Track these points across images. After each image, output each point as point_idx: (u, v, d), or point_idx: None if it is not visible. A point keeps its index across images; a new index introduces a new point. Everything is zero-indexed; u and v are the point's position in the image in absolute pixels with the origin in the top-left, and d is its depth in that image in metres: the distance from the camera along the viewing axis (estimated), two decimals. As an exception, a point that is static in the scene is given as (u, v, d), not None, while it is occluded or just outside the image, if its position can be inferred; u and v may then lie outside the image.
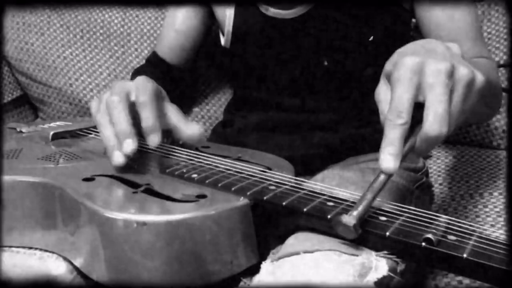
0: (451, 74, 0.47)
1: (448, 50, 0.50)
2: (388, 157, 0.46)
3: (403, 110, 0.46)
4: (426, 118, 0.46)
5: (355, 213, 0.47)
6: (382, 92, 0.51)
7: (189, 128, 0.65)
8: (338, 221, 0.47)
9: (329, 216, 0.50)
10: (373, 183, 0.48)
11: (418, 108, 0.48)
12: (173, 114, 0.66)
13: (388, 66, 0.51)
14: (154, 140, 0.61)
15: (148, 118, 0.61)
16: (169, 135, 0.69)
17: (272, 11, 0.79)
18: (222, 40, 0.86)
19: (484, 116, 0.79)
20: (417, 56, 0.48)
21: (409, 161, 0.80)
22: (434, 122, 0.46)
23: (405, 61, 0.48)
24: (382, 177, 0.48)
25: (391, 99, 0.47)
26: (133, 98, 0.62)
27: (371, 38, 0.76)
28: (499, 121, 0.99)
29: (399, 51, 0.52)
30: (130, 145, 0.59)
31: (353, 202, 0.53)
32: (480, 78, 0.49)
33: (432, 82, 0.46)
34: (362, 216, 0.47)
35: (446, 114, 0.46)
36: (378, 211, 0.51)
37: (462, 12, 0.75)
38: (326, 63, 0.78)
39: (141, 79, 0.65)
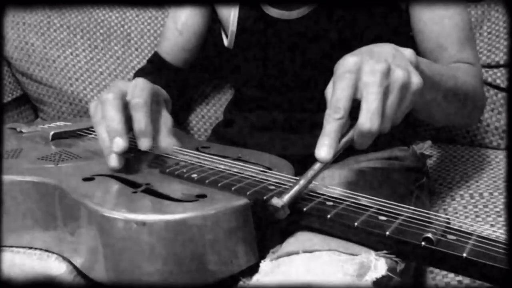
0: (386, 75, 0.50)
1: (396, 52, 0.53)
2: (324, 147, 0.50)
3: (340, 106, 0.49)
4: (360, 114, 0.50)
5: (285, 196, 0.50)
6: (330, 89, 0.53)
7: (164, 140, 0.65)
8: (269, 203, 0.50)
9: (328, 216, 0.50)
10: (309, 170, 0.51)
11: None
12: (163, 121, 0.66)
13: (336, 64, 0.53)
14: (144, 144, 0.61)
15: (139, 121, 0.61)
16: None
17: (275, 12, 0.79)
18: (225, 41, 0.86)
19: (456, 121, 0.80)
20: (356, 56, 0.51)
21: (409, 161, 0.80)
22: (366, 118, 0.49)
23: (345, 61, 0.51)
24: (318, 165, 0.51)
25: (332, 96, 0.51)
26: (129, 98, 0.62)
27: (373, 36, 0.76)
28: (499, 121, 0.99)
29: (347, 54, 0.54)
30: (119, 143, 0.59)
31: (353, 202, 0.53)
32: (416, 81, 0.51)
33: (367, 81, 0.50)
34: (293, 199, 0.50)
35: (378, 111, 0.49)
36: (378, 211, 0.51)
37: (452, 16, 0.76)
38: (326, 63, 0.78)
39: (140, 81, 0.65)
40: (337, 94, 0.50)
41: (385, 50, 0.53)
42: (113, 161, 0.60)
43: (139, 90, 0.63)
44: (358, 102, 0.51)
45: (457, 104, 0.69)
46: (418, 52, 0.79)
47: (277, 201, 0.50)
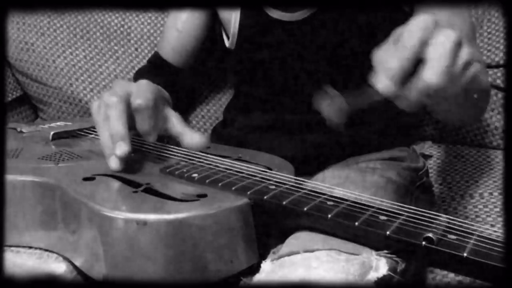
0: (459, 45, 0.48)
1: None
2: (385, 80, 0.47)
3: (408, 46, 0.47)
4: (426, 68, 0.47)
5: (350, 101, 0.48)
6: (383, 50, 0.51)
7: (194, 138, 0.65)
8: (331, 102, 0.48)
9: (329, 216, 0.50)
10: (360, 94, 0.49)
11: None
12: (177, 122, 0.67)
13: (398, 29, 0.51)
14: (149, 139, 0.64)
15: (143, 123, 0.63)
16: (169, 137, 0.69)
17: (277, 14, 0.79)
18: (226, 42, 0.86)
19: (471, 117, 0.80)
20: (432, 17, 0.49)
21: (409, 161, 0.80)
22: (434, 73, 0.46)
23: (421, 17, 0.49)
24: (376, 97, 0.49)
25: (399, 35, 0.48)
26: (132, 100, 0.62)
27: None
28: (499, 121, 0.99)
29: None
30: (122, 148, 0.59)
31: (353, 202, 0.53)
32: (477, 65, 0.50)
33: (442, 41, 0.47)
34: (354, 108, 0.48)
35: (447, 69, 0.46)
36: (378, 211, 0.51)
37: (461, 17, 0.76)
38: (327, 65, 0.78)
39: (144, 83, 0.65)
40: (405, 39, 0.47)
41: None
42: (114, 163, 0.60)
43: (143, 92, 0.63)
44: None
45: (478, 99, 0.70)
46: None
47: (342, 101, 0.47)
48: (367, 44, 0.77)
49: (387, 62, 0.48)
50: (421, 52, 0.47)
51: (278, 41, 0.80)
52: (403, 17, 0.77)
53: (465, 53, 0.49)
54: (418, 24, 0.48)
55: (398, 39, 0.49)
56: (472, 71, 0.50)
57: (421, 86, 0.47)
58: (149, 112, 0.62)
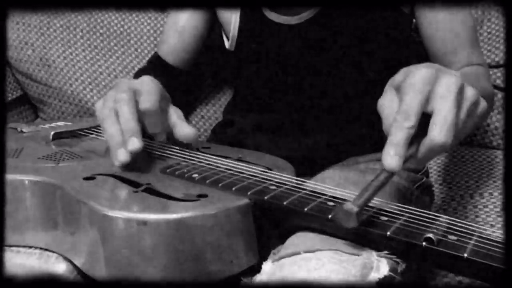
0: (461, 91, 0.48)
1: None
2: (392, 156, 0.47)
3: (412, 113, 0.47)
4: (432, 127, 0.47)
5: (358, 201, 0.47)
6: (387, 100, 0.51)
7: (185, 129, 0.67)
8: (340, 208, 0.47)
9: (329, 216, 0.50)
10: (374, 181, 0.49)
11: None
12: (174, 114, 0.68)
13: (398, 77, 0.51)
14: (159, 138, 0.67)
15: (152, 126, 0.65)
16: (170, 136, 0.69)
17: (276, 17, 0.79)
18: (226, 44, 0.86)
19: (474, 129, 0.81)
20: (431, 68, 0.49)
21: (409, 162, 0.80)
22: (442, 131, 0.47)
23: (420, 71, 0.49)
24: (383, 176, 0.48)
25: (401, 103, 0.48)
26: (138, 98, 0.63)
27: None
28: (499, 121, 0.99)
29: (409, 67, 0.52)
30: (135, 143, 0.59)
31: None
32: (483, 104, 0.51)
33: (444, 93, 0.48)
34: (363, 206, 0.47)
35: (453, 125, 0.47)
36: (379, 211, 0.51)
37: (461, 19, 0.76)
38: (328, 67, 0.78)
39: (147, 81, 0.66)
40: (408, 101, 0.48)
41: (446, 69, 0.52)
42: (123, 156, 0.60)
43: (149, 95, 0.64)
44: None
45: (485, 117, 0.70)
46: (428, 56, 0.79)
47: (350, 207, 0.46)
48: (365, 46, 0.77)
49: (394, 136, 0.47)
50: (426, 107, 0.48)
51: (277, 44, 0.80)
52: (403, 19, 0.78)
53: (469, 95, 0.49)
54: (419, 78, 0.48)
55: (400, 89, 0.49)
56: (479, 111, 0.50)
57: (430, 145, 0.48)
58: (157, 115, 0.64)
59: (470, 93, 0.49)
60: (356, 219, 0.46)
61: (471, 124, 0.51)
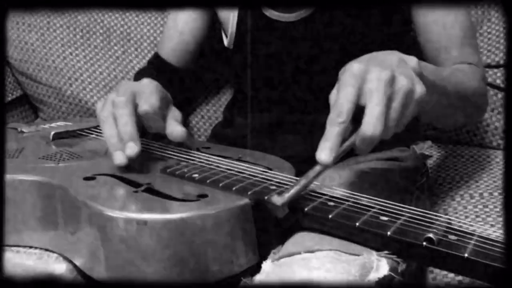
0: (391, 83, 0.50)
1: (400, 61, 0.53)
2: (325, 150, 0.50)
3: (343, 110, 0.50)
4: (363, 120, 0.50)
5: (285, 195, 0.51)
6: (334, 95, 0.53)
7: (174, 128, 0.67)
8: (269, 199, 0.51)
9: (330, 216, 0.50)
10: (310, 172, 0.52)
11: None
12: (170, 115, 0.68)
13: (342, 70, 0.54)
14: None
15: (151, 128, 0.66)
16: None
17: (274, 14, 0.79)
18: (225, 41, 0.86)
19: (458, 123, 0.81)
20: (362, 63, 0.52)
21: (409, 162, 0.80)
22: (369, 124, 0.49)
23: (350, 67, 0.52)
24: (318, 167, 0.52)
25: (336, 100, 0.51)
26: (138, 101, 0.63)
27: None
28: (499, 121, 0.99)
29: (350, 62, 0.54)
30: (132, 148, 0.60)
31: (354, 202, 0.53)
32: (420, 90, 0.52)
33: (372, 88, 0.50)
34: (292, 199, 0.51)
35: (380, 117, 0.49)
36: (379, 211, 0.51)
37: (454, 19, 0.76)
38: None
39: (146, 84, 0.66)
40: (341, 98, 0.50)
41: (390, 58, 0.54)
42: (120, 158, 0.60)
43: (148, 97, 0.64)
44: (362, 108, 0.51)
45: (461, 106, 0.70)
46: (422, 54, 0.79)
47: (276, 199, 0.51)
48: (364, 44, 0.77)
49: (328, 131, 0.51)
50: (360, 100, 0.51)
51: (276, 41, 0.80)
52: (400, 16, 0.78)
53: (400, 86, 0.51)
54: (350, 74, 0.51)
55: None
56: (416, 98, 0.52)
57: (361, 137, 0.50)
58: (156, 117, 0.65)
59: (401, 82, 0.51)
60: (282, 211, 0.51)
61: (412, 111, 0.53)
